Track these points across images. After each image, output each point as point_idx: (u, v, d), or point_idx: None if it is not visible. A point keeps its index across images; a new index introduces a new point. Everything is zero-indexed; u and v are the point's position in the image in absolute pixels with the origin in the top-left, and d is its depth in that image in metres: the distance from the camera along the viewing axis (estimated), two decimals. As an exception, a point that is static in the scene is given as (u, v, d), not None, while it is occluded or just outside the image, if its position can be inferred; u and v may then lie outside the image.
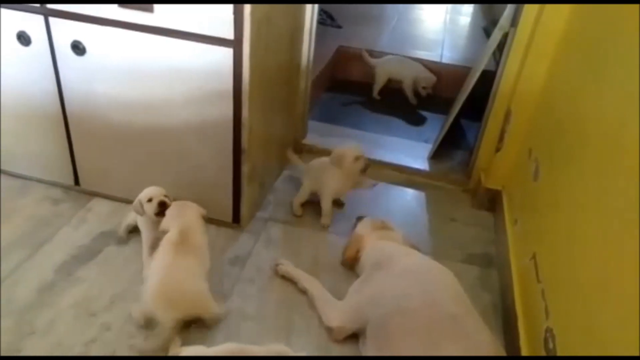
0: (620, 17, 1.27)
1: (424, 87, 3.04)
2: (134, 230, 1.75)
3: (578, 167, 1.32)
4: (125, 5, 1.51)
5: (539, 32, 1.77)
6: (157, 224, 1.60)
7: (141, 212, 1.61)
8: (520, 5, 1.85)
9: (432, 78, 3.04)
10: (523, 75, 1.87)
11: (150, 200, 1.60)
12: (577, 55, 1.56)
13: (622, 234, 0.99)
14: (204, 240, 1.58)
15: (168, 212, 1.59)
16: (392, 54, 3.21)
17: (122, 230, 1.75)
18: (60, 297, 1.52)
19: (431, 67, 3.14)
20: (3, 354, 1.34)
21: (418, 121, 2.93)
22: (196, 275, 1.46)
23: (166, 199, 1.61)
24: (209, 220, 1.78)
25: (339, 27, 3.66)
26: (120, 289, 1.57)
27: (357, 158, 1.86)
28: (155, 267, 1.45)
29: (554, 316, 1.25)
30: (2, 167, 1.99)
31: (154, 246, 1.56)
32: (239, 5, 1.44)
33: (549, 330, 1.24)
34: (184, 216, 1.58)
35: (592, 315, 1.05)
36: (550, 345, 1.20)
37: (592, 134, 1.27)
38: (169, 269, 1.42)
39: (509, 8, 1.98)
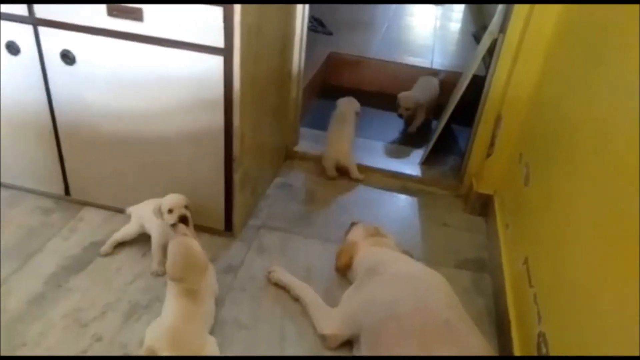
0: (609, 21, 1.28)
1: (400, 106, 2.76)
2: (118, 245, 1.74)
3: (568, 171, 1.33)
4: (114, 14, 1.51)
5: (528, 37, 1.79)
6: (169, 229, 1.60)
7: (159, 217, 1.61)
8: (509, 10, 1.86)
9: (410, 98, 2.75)
10: (513, 81, 1.88)
11: (171, 211, 1.59)
12: (566, 60, 1.58)
13: (614, 238, 1.00)
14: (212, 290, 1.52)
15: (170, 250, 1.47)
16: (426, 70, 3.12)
17: (108, 245, 1.72)
18: (51, 308, 1.51)
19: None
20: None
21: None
22: (204, 326, 1.41)
23: (187, 212, 1.60)
24: (201, 228, 1.79)
25: (330, 33, 3.67)
26: (112, 299, 1.56)
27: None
28: (165, 314, 1.39)
29: (546, 321, 1.25)
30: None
31: (164, 247, 1.54)
32: (228, 13, 1.44)
33: (541, 334, 1.24)
34: (190, 273, 1.42)
35: (584, 320, 1.05)
36: (543, 350, 1.20)
37: (582, 138, 1.28)
38: (179, 321, 1.36)
39: (498, 13, 1.99)
